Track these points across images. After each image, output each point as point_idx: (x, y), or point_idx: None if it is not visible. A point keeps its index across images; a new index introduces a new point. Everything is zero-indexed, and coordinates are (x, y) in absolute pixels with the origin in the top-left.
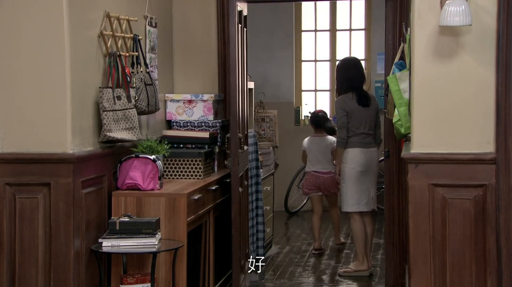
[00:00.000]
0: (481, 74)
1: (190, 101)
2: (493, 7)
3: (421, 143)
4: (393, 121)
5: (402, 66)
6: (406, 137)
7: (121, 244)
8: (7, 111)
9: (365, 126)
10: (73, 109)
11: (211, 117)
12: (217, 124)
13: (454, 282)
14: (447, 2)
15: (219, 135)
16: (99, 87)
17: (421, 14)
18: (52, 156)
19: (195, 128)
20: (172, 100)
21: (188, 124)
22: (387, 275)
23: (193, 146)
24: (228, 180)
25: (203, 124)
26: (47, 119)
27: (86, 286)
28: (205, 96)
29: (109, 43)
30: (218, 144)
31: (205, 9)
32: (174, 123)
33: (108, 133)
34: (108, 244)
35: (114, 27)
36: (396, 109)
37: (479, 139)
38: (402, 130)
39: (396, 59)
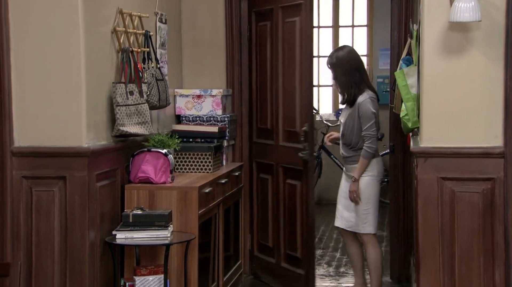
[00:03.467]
0: (489, 70)
1: (199, 97)
2: (502, 3)
3: (430, 137)
4: (401, 116)
5: (409, 61)
6: (412, 132)
7: (134, 236)
8: (23, 106)
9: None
10: (87, 104)
11: (219, 112)
12: (226, 119)
13: (463, 274)
14: None
15: (228, 130)
16: (113, 83)
17: (430, 10)
18: (67, 150)
19: (203, 123)
20: (181, 95)
21: (197, 119)
22: (392, 267)
23: (202, 140)
24: (236, 174)
25: (211, 119)
26: (62, 114)
27: (101, 277)
28: (214, 92)
29: (121, 39)
30: (227, 138)
31: (213, 5)
32: (183, 118)
33: (121, 128)
34: (122, 236)
35: (126, 24)
36: (403, 104)
37: (487, 133)
38: (410, 125)
39: (403, 55)
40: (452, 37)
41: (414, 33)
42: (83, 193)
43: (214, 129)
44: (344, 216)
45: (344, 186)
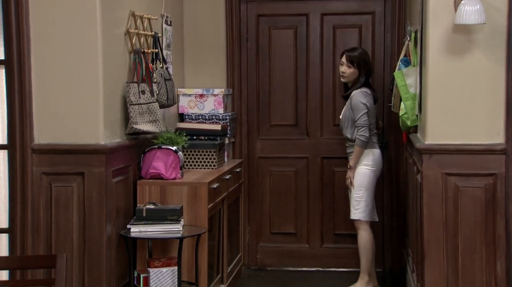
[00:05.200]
0: (492, 70)
1: (201, 96)
2: (504, 6)
3: (435, 135)
4: (400, 114)
5: (407, 62)
6: (410, 130)
7: (148, 230)
8: (43, 105)
9: (375, 125)
10: (104, 103)
11: (221, 110)
12: (227, 117)
13: (466, 265)
14: (462, 2)
15: (229, 128)
16: (126, 82)
17: (435, 13)
18: (86, 147)
19: (206, 121)
20: (184, 94)
21: (200, 117)
22: (385, 258)
23: (206, 137)
24: (238, 170)
25: (213, 117)
26: (80, 112)
27: (116, 269)
28: (216, 91)
29: (134, 40)
30: (228, 135)
31: (214, 7)
32: (186, 117)
33: (134, 126)
34: (136, 230)
35: (137, 26)
36: (402, 103)
37: (489, 131)
38: (409, 123)
39: (401, 56)
40: (455, 39)
41: (413, 35)
42: (100, 188)
43: (217, 127)
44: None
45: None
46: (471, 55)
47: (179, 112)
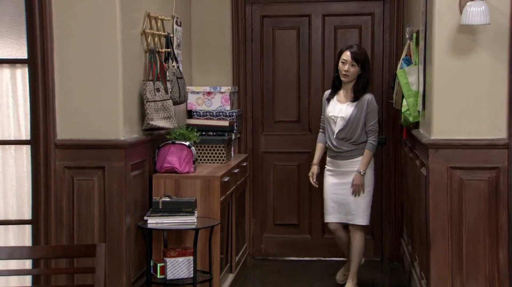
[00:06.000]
0: (495, 69)
1: (209, 93)
2: (507, 8)
3: (440, 130)
4: (402, 111)
5: (408, 61)
6: (412, 125)
7: (164, 221)
8: (65, 102)
9: None
10: (124, 100)
11: (228, 107)
12: (234, 113)
13: (469, 254)
14: (468, 3)
15: (235, 124)
16: (143, 81)
17: (441, 15)
18: (106, 142)
19: (213, 118)
20: (192, 92)
21: (207, 113)
22: (384, 249)
23: (214, 133)
24: (244, 164)
25: (221, 113)
26: (101, 109)
27: (134, 258)
28: (223, 89)
29: (149, 40)
30: (234, 131)
31: (220, 9)
32: (195, 113)
33: (150, 122)
34: (153, 221)
35: (152, 26)
36: (404, 100)
37: (493, 126)
38: (411, 119)
39: (403, 55)
40: (460, 39)
41: (414, 36)
42: (120, 181)
43: (225, 123)
44: (340, 210)
45: (334, 182)
46: (475, 55)
47: (188, 109)
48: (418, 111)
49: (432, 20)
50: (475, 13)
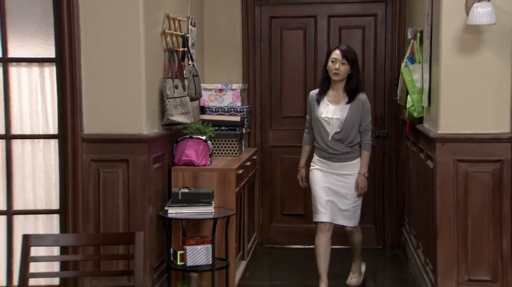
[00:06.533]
0: (499, 67)
1: (220, 90)
2: (511, 9)
3: (447, 125)
4: (407, 106)
5: (412, 60)
6: (415, 120)
7: (183, 211)
8: (92, 99)
9: None
10: (146, 97)
11: (238, 103)
12: (244, 109)
13: (475, 242)
14: (475, 4)
15: (246, 119)
16: (163, 78)
17: (448, 15)
18: (130, 137)
19: (225, 113)
20: (205, 89)
21: (219, 109)
22: (386, 237)
23: (226, 128)
24: (254, 157)
25: (232, 109)
26: (126, 105)
27: (156, 246)
28: (234, 86)
29: (168, 40)
30: (245, 126)
31: (231, 10)
32: (207, 109)
33: (170, 117)
34: (173, 211)
35: (170, 26)
36: (409, 96)
37: (497, 121)
38: (415, 114)
39: (407, 54)
40: (466, 39)
41: (418, 35)
42: (143, 174)
43: (237, 118)
44: (332, 211)
45: (326, 181)
46: (480, 53)
47: (200, 105)
48: (422, 107)
49: (439, 20)
50: (482, 14)
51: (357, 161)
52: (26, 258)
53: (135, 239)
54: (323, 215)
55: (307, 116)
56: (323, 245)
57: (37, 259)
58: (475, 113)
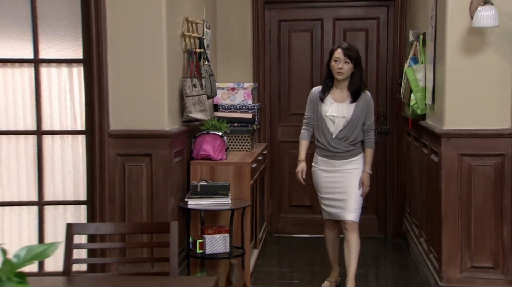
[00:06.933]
0: (500, 66)
1: (233, 89)
2: None
3: (452, 121)
4: (411, 104)
5: (415, 60)
6: (418, 117)
7: (202, 203)
8: (118, 97)
9: None
10: (168, 95)
11: (250, 101)
12: (255, 107)
13: (477, 232)
14: (479, 8)
15: (256, 116)
16: (182, 78)
17: (452, 18)
18: (153, 133)
19: (237, 111)
20: (218, 87)
21: (232, 107)
22: (387, 227)
23: (239, 124)
24: (265, 152)
25: (243, 107)
26: (149, 103)
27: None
28: (245, 85)
29: (186, 41)
30: (256, 123)
31: (242, 13)
32: (220, 107)
33: (189, 114)
34: (193, 203)
35: (189, 29)
36: (412, 94)
37: (499, 118)
38: (419, 111)
39: (410, 55)
40: (470, 40)
41: (421, 37)
42: (165, 167)
43: (249, 115)
44: (336, 206)
45: (329, 181)
46: (483, 54)
47: (214, 103)
48: (425, 104)
49: (444, 23)
50: (486, 17)
51: (358, 157)
52: (70, 245)
53: (170, 228)
54: (329, 213)
55: (306, 113)
56: (330, 237)
57: (80, 246)
58: (478, 110)
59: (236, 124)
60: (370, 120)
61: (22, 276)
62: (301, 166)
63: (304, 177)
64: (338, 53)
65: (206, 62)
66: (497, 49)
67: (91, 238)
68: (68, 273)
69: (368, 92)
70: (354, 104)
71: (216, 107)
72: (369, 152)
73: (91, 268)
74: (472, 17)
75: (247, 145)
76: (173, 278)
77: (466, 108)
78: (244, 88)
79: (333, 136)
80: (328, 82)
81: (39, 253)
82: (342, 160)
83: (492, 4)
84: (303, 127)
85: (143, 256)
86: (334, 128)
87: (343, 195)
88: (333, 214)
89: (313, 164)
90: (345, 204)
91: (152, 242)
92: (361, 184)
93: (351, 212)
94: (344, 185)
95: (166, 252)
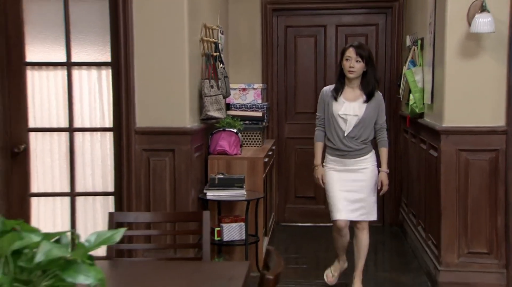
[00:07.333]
0: (496, 69)
1: (244, 89)
2: (506, 19)
3: (451, 119)
4: (410, 103)
5: (413, 63)
6: (416, 116)
7: (220, 194)
8: (143, 97)
9: None
10: (189, 95)
11: (259, 101)
12: (264, 106)
13: (473, 220)
14: (476, 15)
15: (266, 115)
16: (201, 79)
17: (452, 25)
18: (176, 130)
19: (247, 109)
20: (231, 88)
21: (243, 106)
22: (385, 215)
23: (250, 122)
24: (273, 147)
25: (253, 106)
26: (172, 102)
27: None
28: (255, 86)
29: (204, 45)
30: (265, 120)
31: (252, 20)
32: (232, 106)
33: (208, 113)
34: (211, 194)
35: (206, 34)
36: (411, 94)
37: (494, 116)
38: (417, 110)
39: (409, 59)
40: (468, 45)
41: (419, 42)
42: (187, 162)
43: (259, 114)
44: (350, 208)
45: (343, 179)
46: (479, 57)
47: (226, 102)
48: (423, 104)
49: (444, 29)
50: (483, 23)
51: (369, 155)
52: None
53: (202, 217)
54: (341, 213)
55: (318, 113)
56: (342, 241)
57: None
58: (475, 109)
59: (247, 122)
60: (382, 119)
61: (92, 259)
62: (319, 171)
63: (323, 181)
64: (350, 52)
65: (221, 65)
66: (493, 53)
67: (119, 225)
68: (110, 258)
69: (379, 92)
70: (366, 104)
71: (228, 106)
72: (384, 151)
73: (118, 253)
74: (469, 24)
75: (258, 141)
76: (209, 263)
77: (464, 107)
78: (254, 89)
79: (345, 134)
80: (341, 80)
81: (107, 238)
82: (354, 159)
83: (489, 12)
84: (316, 128)
85: (167, 243)
86: (346, 127)
87: (357, 196)
88: (346, 214)
89: (324, 163)
90: (360, 206)
91: (187, 230)
92: (380, 183)
93: (365, 214)
94: (358, 189)
95: (188, 239)
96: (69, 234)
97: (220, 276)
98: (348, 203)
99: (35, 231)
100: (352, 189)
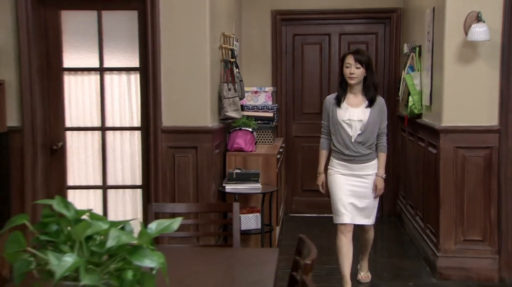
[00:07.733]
0: (490, 73)
1: (256, 92)
2: (499, 28)
3: (449, 119)
4: (409, 105)
5: (412, 68)
6: (414, 117)
7: (237, 187)
8: (169, 98)
9: None
10: (210, 97)
11: (270, 103)
12: (274, 107)
13: (469, 211)
14: (473, 25)
15: (276, 115)
16: (220, 83)
17: (450, 33)
18: (199, 129)
19: (259, 110)
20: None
21: (255, 107)
22: (383, 207)
23: (262, 122)
24: (283, 145)
25: (265, 107)
26: (195, 104)
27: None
28: (266, 88)
29: (223, 52)
30: (275, 120)
31: (263, 29)
32: (245, 107)
33: (226, 113)
34: (230, 187)
35: (225, 42)
36: (410, 97)
37: (488, 116)
38: (416, 111)
39: (408, 64)
40: (464, 52)
41: (417, 49)
42: (208, 158)
43: (270, 114)
44: (355, 212)
45: (350, 184)
46: (475, 63)
47: (240, 103)
48: (421, 105)
49: (442, 37)
50: (479, 32)
51: (375, 161)
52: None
53: (232, 208)
54: (346, 216)
55: (323, 122)
56: (345, 246)
57: None
58: (471, 110)
59: (259, 121)
60: (384, 124)
61: (153, 245)
62: (321, 179)
63: (324, 187)
64: (349, 58)
65: (237, 70)
66: (487, 59)
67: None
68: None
69: (381, 97)
70: (369, 109)
71: (242, 107)
72: (383, 156)
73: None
74: (466, 33)
75: (269, 139)
76: (240, 249)
77: (461, 108)
78: (265, 91)
79: (352, 140)
80: (343, 87)
81: (166, 226)
82: (360, 164)
83: (484, 22)
84: (322, 135)
85: (200, 232)
86: (353, 132)
87: (364, 203)
88: (351, 218)
89: (329, 167)
90: (366, 212)
91: (218, 219)
92: (374, 187)
93: (371, 219)
94: (363, 194)
95: (209, 228)
96: (133, 222)
97: (254, 261)
98: (356, 208)
99: (103, 219)
100: (357, 194)
